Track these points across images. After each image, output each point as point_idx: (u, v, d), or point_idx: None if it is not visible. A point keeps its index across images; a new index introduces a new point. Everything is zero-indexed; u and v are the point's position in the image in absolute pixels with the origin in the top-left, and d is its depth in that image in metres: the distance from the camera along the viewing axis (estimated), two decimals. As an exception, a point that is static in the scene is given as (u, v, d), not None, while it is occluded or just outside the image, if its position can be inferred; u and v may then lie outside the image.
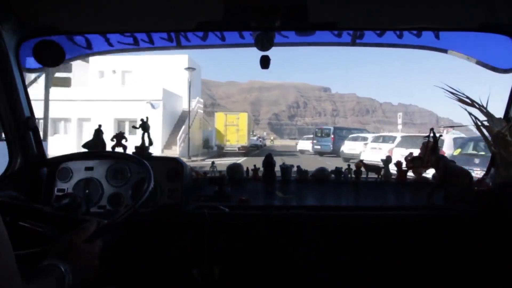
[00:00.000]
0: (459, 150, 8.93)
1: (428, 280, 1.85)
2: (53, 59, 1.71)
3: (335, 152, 21.72)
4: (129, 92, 22.69)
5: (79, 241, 1.06)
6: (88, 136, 2.00)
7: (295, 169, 2.18)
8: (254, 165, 2.20)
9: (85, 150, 1.93)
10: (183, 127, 23.44)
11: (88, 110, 21.60)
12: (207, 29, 1.81)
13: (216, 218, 1.74)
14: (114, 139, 1.98)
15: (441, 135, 1.94)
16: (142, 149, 1.95)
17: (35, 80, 11.45)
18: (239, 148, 24.35)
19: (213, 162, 2.34)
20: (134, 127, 2.06)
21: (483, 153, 7.67)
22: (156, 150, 9.49)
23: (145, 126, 2.02)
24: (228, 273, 1.87)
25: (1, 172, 1.73)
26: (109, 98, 21.78)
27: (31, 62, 1.74)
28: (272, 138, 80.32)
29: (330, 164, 2.78)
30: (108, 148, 1.96)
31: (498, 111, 1.90)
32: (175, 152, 20.72)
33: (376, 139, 15.80)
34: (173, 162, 1.87)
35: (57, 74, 18.58)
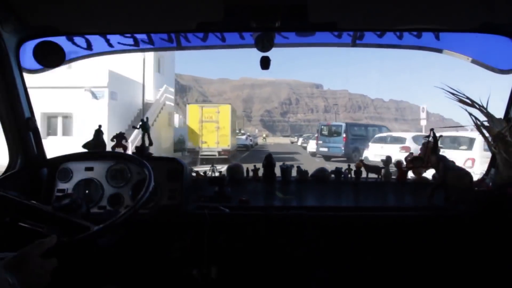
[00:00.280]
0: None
1: (429, 281, 1.85)
2: (53, 60, 1.71)
3: (348, 156, 18.01)
4: (67, 77, 15.34)
5: (34, 254, 1.03)
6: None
7: (295, 169, 2.18)
8: (254, 166, 2.20)
9: (85, 150, 1.93)
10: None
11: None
12: (207, 30, 1.81)
13: (216, 219, 1.74)
14: (114, 140, 1.98)
15: (441, 135, 1.94)
16: (142, 150, 1.95)
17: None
18: (219, 153, 18.58)
19: (212, 163, 2.34)
20: (134, 127, 2.06)
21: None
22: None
23: (145, 127, 2.02)
24: (228, 273, 1.87)
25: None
26: (35, 85, 11.33)
27: (31, 62, 1.74)
28: (264, 135, 73.89)
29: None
30: (108, 148, 1.96)
31: (499, 112, 1.91)
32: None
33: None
34: (174, 163, 1.87)
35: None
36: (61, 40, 1.74)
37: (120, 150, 1.97)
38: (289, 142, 53.05)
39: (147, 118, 2.05)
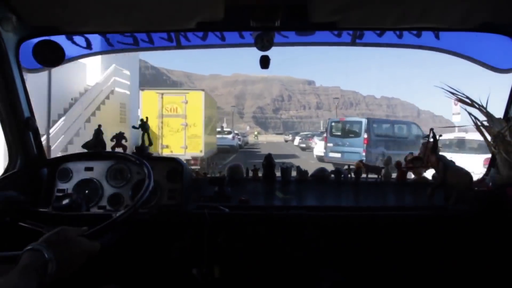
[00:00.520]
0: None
1: (428, 281, 1.85)
2: (52, 59, 1.71)
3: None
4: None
5: (74, 233, 1.06)
6: None
7: (294, 169, 2.18)
8: (254, 165, 2.20)
9: (85, 150, 1.93)
10: (78, 117, 14.27)
11: None
12: (207, 29, 1.81)
13: (216, 219, 1.74)
14: (114, 140, 1.98)
15: (440, 135, 1.94)
16: (142, 149, 1.95)
17: None
18: (188, 162, 11.17)
19: (211, 163, 2.34)
20: (134, 127, 2.05)
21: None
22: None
23: (144, 126, 2.02)
24: (228, 273, 1.87)
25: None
26: None
27: (31, 62, 1.74)
28: (256, 132, 67.74)
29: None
30: (108, 148, 1.96)
31: (498, 111, 1.91)
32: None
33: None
34: (173, 163, 1.87)
35: None
36: (60, 39, 1.74)
37: (120, 150, 1.96)
38: (282, 141, 50.06)
39: (146, 118, 2.04)
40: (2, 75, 1.65)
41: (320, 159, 16.92)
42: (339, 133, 15.55)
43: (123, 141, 2.03)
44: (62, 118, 13.75)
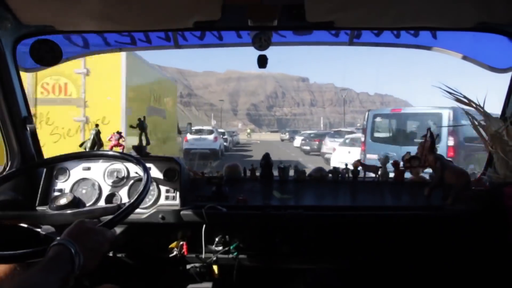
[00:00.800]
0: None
1: (426, 280, 1.85)
2: (50, 58, 1.71)
3: None
4: None
5: (92, 224, 1.10)
6: None
7: (292, 168, 2.18)
8: (252, 165, 2.20)
9: (83, 150, 1.92)
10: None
11: None
12: (205, 28, 1.81)
13: (213, 218, 1.73)
14: (112, 139, 1.98)
15: (438, 135, 1.94)
16: (140, 149, 1.95)
17: None
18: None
19: (210, 162, 2.34)
20: (132, 126, 2.05)
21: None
22: None
23: (142, 126, 2.02)
24: (226, 273, 1.87)
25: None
26: None
27: (28, 61, 1.73)
28: (249, 130, 62.20)
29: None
30: (106, 148, 1.96)
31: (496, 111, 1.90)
32: None
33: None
34: (171, 162, 1.86)
35: None
36: (58, 39, 1.74)
37: (118, 149, 1.96)
38: (278, 139, 44.68)
39: (144, 117, 2.04)
40: None
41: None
42: (389, 136, 9.39)
43: (121, 141, 2.03)
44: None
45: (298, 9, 1.51)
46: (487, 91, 1.90)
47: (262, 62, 1.84)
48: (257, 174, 2.18)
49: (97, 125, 1.99)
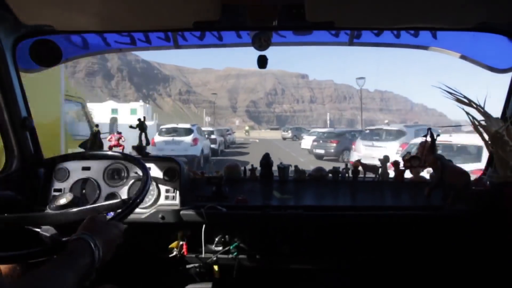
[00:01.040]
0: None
1: (426, 279, 1.85)
2: (49, 59, 1.71)
3: None
4: None
5: (104, 218, 1.12)
6: None
7: (292, 168, 2.18)
8: (252, 165, 2.20)
9: (82, 150, 1.92)
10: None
11: None
12: (204, 28, 1.81)
13: (213, 218, 1.74)
14: (112, 139, 1.98)
15: (438, 135, 1.95)
16: (140, 149, 1.95)
17: None
18: None
19: (211, 161, 2.34)
20: (132, 126, 2.05)
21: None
22: None
23: (142, 126, 2.02)
24: (226, 273, 1.87)
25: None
26: None
27: (27, 62, 1.73)
28: (247, 128, 56.36)
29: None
30: (105, 148, 1.95)
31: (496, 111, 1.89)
32: None
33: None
34: (171, 162, 1.86)
35: None
36: (57, 39, 1.73)
37: (118, 149, 1.96)
38: (279, 138, 37.87)
39: (144, 117, 2.03)
40: None
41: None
42: None
43: (121, 141, 2.03)
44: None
45: (298, 9, 1.51)
46: (487, 91, 1.89)
47: (262, 62, 1.84)
48: (257, 174, 2.18)
49: (97, 125, 1.99)
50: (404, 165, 2.08)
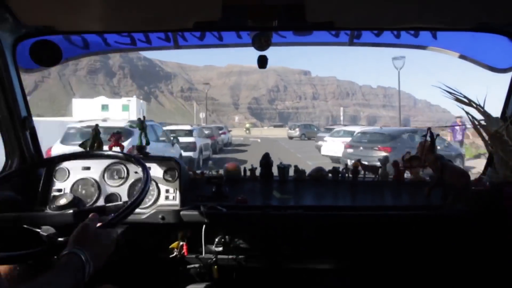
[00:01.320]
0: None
1: (426, 280, 1.86)
2: (50, 59, 1.71)
3: None
4: None
5: (94, 226, 1.10)
6: None
7: (292, 168, 2.18)
8: (252, 165, 2.20)
9: (82, 150, 1.93)
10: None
11: None
12: (204, 29, 1.81)
13: (213, 218, 1.74)
14: (112, 139, 1.98)
15: (438, 135, 1.95)
16: (140, 149, 1.95)
17: None
18: None
19: (211, 161, 2.34)
20: (132, 126, 2.05)
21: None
22: None
23: (142, 125, 2.02)
24: (226, 273, 1.87)
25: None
26: None
27: (28, 61, 1.73)
28: (247, 125, 50.97)
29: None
30: (105, 147, 1.96)
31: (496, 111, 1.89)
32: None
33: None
34: (171, 162, 1.87)
35: None
36: (57, 39, 1.74)
37: (117, 149, 1.96)
38: (285, 136, 34.04)
39: (144, 117, 2.04)
40: None
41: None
42: None
43: (121, 140, 2.03)
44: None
45: (298, 9, 1.51)
46: (487, 90, 1.89)
47: (262, 62, 1.84)
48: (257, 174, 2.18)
49: (97, 125, 1.99)
50: (404, 165, 2.08)
